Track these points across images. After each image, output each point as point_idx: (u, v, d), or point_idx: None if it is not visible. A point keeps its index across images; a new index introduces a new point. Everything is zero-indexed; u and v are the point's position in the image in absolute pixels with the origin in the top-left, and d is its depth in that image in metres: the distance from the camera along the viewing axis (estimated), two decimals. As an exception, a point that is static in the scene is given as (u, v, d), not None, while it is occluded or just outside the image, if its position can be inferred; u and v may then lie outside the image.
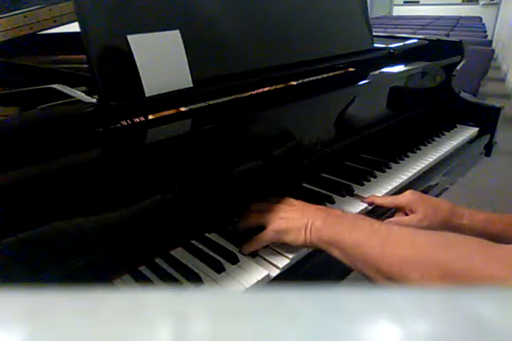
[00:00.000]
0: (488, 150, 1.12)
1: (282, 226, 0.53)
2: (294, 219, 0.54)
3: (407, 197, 0.65)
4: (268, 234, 0.54)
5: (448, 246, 0.41)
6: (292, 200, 0.58)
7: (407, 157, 0.88)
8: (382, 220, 0.64)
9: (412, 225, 0.62)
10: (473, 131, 1.07)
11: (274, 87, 0.66)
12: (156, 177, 0.51)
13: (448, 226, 0.63)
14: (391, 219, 0.64)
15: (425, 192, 0.85)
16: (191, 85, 0.55)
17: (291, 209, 0.56)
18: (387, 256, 0.43)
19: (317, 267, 0.57)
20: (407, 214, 0.64)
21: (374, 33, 0.92)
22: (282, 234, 0.53)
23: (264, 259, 0.54)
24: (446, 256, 0.40)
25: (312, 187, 0.73)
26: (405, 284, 0.41)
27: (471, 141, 1.06)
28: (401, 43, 1.01)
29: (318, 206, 0.57)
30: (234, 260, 0.53)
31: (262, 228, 0.55)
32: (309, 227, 0.52)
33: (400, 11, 8.74)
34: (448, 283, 0.38)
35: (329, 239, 0.50)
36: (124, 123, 0.47)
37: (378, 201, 0.68)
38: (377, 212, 0.70)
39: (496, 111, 1.09)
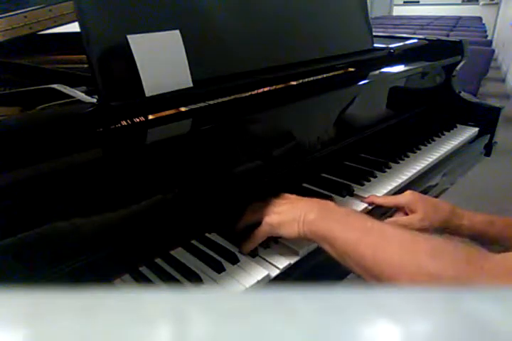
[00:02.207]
0: (488, 150, 1.12)
1: (276, 220, 0.53)
2: (286, 212, 0.54)
3: (407, 197, 0.65)
4: (263, 229, 0.54)
5: (436, 254, 0.42)
6: (286, 195, 0.58)
7: (407, 157, 0.88)
8: (382, 220, 0.64)
9: (413, 225, 0.62)
10: (473, 131, 1.07)
11: (274, 87, 0.66)
12: (156, 177, 0.51)
13: (448, 226, 0.63)
14: (391, 219, 0.64)
15: (425, 192, 0.85)
16: (191, 85, 0.55)
17: (284, 203, 0.56)
18: (378, 258, 0.44)
19: (317, 267, 0.57)
20: (406, 214, 0.64)
21: (374, 33, 0.92)
22: (276, 228, 0.53)
23: (264, 259, 0.54)
24: (434, 265, 0.41)
25: (312, 187, 0.73)
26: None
27: (471, 140, 1.06)
28: (401, 43, 1.01)
29: (312, 198, 0.56)
30: (234, 260, 0.53)
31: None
32: (302, 220, 0.51)
33: (400, 11, 8.73)
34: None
35: (321, 234, 0.50)
36: (124, 123, 0.47)
37: (378, 201, 0.68)
38: (377, 212, 0.70)
39: (496, 111, 1.09)
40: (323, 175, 0.78)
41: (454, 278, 0.38)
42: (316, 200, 0.56)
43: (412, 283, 0.41)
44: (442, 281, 0.39)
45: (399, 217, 0.64)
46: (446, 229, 0.63)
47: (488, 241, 0.63)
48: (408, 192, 0.66)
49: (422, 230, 0.62)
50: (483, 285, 0.37)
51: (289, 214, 0.53)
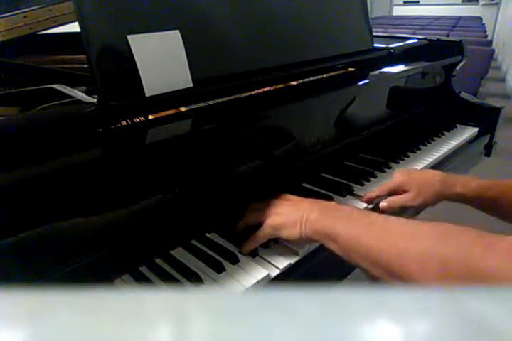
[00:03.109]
0: (488, 150, 1.12)
1: (277, 221, 0.53)
2: (288, 214, 0.53)
3: (397, 178, 0.66)
4: (264, 230, 0.54)
5: (446, 237, 0.41)
6: (288, 196, 0.58)
7: (407, 157, 0.88)
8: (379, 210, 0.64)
9: (408, 204, 0.63)
10: (473, 131, 1.07)
11: (274, 87, 0.66)
12: (156, 177, 0.51)
13: (442, 197, 0.64)
14: (385, 200, 0.65)
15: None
16: (191, 85, 0.55)
17: (286, 204, 0.56)
18: (385, 249, 0.43)
19: (317, 267, 0.57)
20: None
21: (374, 33, 0.92)
22: (278, 229, 0.53)
23: (264, 259, 0.54)
24: (444, 248, 0.39)
25: (312, 187, 0.73)
26: (404, 277, 0.41)
27: (471, 141, 1.06)
28: (401, 43, 1.01)
29: (313, 199, 0.56)
30: (234, 260, 0.53)
31: (260, 227, 0.55)
32: (304, 220, 0.51)
33: (400, 11, 8.74)
34: (447, 275, 0.38)
35: (325, 232, 0.49)
36: (124, 123, 0.47)
37: (373, 195, 0.68)
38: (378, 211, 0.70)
39: (496, 111, 1.09)
40: (323, 175, 0.78)
41: (464, 260, 0.37)
42: (317, 201, 0.56)
43: (422, 270, 0.39)
44: (452, 264, 0.37)
45: (392, 198, 0.65)
46: (440, 199, 0.64)
47: (483, 206, 0.64)
48: (397, 173, 0.67)
49: (418, 207, 0.64)
50: (497, 266, 0.35)
51: (291, 215, 0.53)
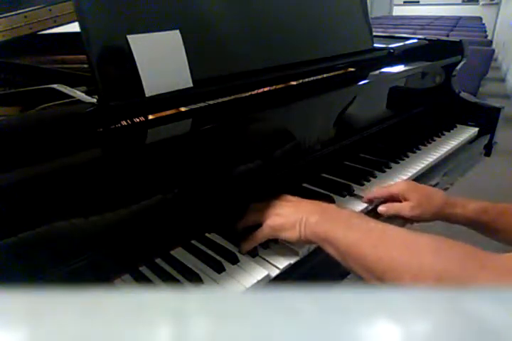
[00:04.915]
0: (488, 150, 1.12)
1: (277, 222, 0.53)
2: (288, 215, 0.53)
3: (401, 186, 0.65)
4: (264, 231, 0.54)
5: (439, 252, 0.41)
6: (288, 196, 0.58)
7: (407, 157, 0.88)
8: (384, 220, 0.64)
9: (404, 212, 0.62)
10: (473, 131, 1.07)
11: (274, 87, 0.66)
12: (156, 177, 0.51)
13: (440, 215, 0.63)
14: (384, 205, 0.64)
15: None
16: (191, 85, 0.55)
17: (286, 205, 0.56)
18: (380, 258, 0.43)
19: (317, 267, 0.57)
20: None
21: (374, 33, 0.92)
22: (277, 230, 0.53)
23: (264, 259, 0.54)
24: (438, 261, 0.40)
25: (312, 187, 0.73)
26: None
27: (471, 141, 1.06)
28: (401, 43, 1.01)
29: (313, 201, 0.56)
30: (234, 260, 0.53)
31: (260, 227, 0.55)
32: (304, 223, 0.51)
33: (400, 11, 8.74)
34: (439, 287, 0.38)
35: (323, 236, 0.49)
36: (124, 123, 0.47)
37: (372, 195, 0.67)
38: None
39: (496, 111, 1.09)
40: (323, 175, 0.78)
41: (457, 276, 0.38)
42: (318, 203, 0.56)
43: (414, 282, 0.40)
44: (446, 280, 0.38)
45: (390, 204, 0.64)
46: (437, 217, 0.63)
47: (481, 228, 0.63)
48: (401, 181, 0.66)
49: (413, 218, 0.63)
50: (486, 284, 0.36)
51: (291, 217, 0.53)
